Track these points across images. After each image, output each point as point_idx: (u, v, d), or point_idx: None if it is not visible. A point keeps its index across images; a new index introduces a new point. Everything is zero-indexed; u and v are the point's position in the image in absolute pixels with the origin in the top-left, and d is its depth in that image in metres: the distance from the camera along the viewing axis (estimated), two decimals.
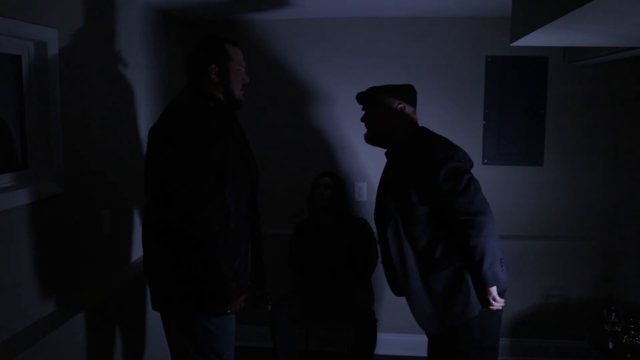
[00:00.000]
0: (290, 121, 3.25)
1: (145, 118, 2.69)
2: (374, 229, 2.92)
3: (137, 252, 2.67)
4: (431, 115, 3.02)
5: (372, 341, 2.72)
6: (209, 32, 3.19)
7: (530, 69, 3.09)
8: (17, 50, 1.83)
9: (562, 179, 3.14)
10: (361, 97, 2.15)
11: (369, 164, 3.19)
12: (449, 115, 3.13)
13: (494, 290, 1.92)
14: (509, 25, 2.03)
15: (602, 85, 3.07)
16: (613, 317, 2.52)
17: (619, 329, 2.48)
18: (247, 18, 3.13)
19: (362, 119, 2.15)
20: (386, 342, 3.17)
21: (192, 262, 1.78)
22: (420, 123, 2.15)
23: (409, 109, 2.08)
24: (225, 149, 1.83)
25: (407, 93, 2.11)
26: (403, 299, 2.06)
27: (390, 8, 2.85)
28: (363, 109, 2.16)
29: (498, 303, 1.95)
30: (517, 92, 3.11)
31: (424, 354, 2.27)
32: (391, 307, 3.12)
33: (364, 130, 3.18)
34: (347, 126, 3.22)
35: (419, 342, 2.67)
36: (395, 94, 2.08)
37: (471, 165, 2.01)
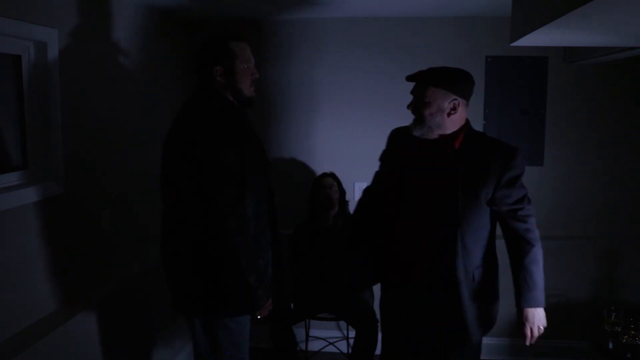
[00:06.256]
0: (289, 121, 3.25)
1: (145, 117, 2.69)
2: None
3: (138, 252, 2.66)
4: None
5: (374, 341, 2.71)
6: (212, 31, 3.20)
7: (530, 69, 3.09)
8: (17, 50, 1.83)
9: (562, 179, 3.15)
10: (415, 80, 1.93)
11: (369, 164, 3.18)
12: None
13: (541, 313, 1.86)
14: (509, 25, 2.03)
15: (602, 85, 3.07)
16: (613, 317, 2.52)
17: (619, 329, 2.49)
18: (247, 17, 3.13)
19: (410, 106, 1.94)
20: None
21: (216, 274, 1.76)
22: None
23: (462, 104, 1.87)
24: (243, 156, 1.77)
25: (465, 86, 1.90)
26: None
27: (389, 8, 2.85)
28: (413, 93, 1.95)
29: (539, 331, 1.87)
30: (517, 92, 3.11)
31: None
32: None
33: (363, 130, 3.21)
34: (347, 125, 3.22)
35: None
36: (450, 87, 1.85)
37: None
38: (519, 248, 1.87)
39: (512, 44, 2.00)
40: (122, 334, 2.39)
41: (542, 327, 1.87)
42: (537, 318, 1.86)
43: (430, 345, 2.01)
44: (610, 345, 2.42)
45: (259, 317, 1.89)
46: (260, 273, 1.83)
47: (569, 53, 3.00)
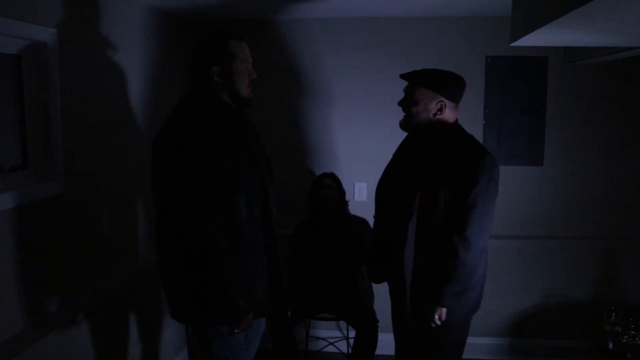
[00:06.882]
0: (288, 121, 3.25)
1: (145, 118, 2.69)
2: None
3: (137, 252, 2.66)
4: None
5: (374, 341, 2.71)
6: (212, 32, 3.20)
7: (530, 69, 3.09)
8: (17, 50, 1.83)
9: (562, 179, 3.15)
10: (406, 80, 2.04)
11: (368, 164, 3.19)
12: None
13: (444, 312, 1.92)
14: (509, 25, 2.03)
15: (602, 85, 3.07)
16: (613, 317, 2.53)
17: (619, 329, 2.49)
18: (247, 17, 3.13)
19: (400, 104, 2.05)
20: (387, 342, 3.16)
21: (200, 279, 1.72)
22: None
23: (449, 106, 1.98)
24: (233, 157, 1.73)
25: (453, 88, 1.99)
26: None
27: (390, 8, 2.85)
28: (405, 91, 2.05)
29: (438, 321, 1.93)
30: (517, 92, 3.11)
31: None
32: None
33: (363, 130, 3.21)
34: (347, 125, 3.22)
35: None
36: (439, 89, 1.95)
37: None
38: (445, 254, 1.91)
39: (512, 44, 2.00)
40: (122, 334, 2.39)
41: (432, 323, 1.94)
42: (430, 313, 1.93)
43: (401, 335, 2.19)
44: (610, 345, 2.43)
45: (236, 331, 1.81)
46: (245, 282, 1.78)
47: (569, 53, 3.00)
